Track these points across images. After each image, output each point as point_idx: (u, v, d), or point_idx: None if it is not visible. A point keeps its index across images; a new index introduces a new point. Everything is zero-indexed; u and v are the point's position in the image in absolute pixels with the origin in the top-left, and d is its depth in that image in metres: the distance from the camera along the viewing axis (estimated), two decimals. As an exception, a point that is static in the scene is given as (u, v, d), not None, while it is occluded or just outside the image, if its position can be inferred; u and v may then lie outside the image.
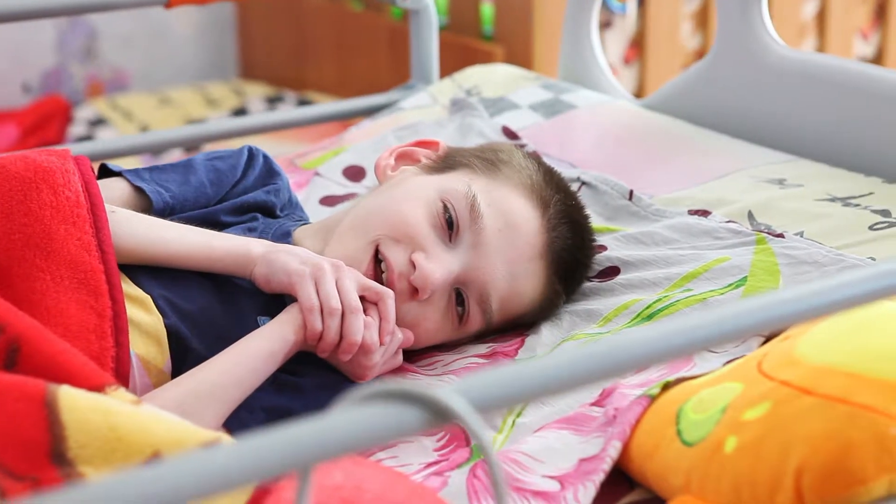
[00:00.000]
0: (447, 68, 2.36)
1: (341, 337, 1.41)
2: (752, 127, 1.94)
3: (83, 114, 3.73)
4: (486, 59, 3.09)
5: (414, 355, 1.54)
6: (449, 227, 1.49)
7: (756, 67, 1.94)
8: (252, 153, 1.65)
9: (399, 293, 1.47)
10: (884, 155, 1.77)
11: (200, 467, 0.76)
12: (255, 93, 3.87)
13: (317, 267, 1.42)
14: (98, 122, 3.68)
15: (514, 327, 1.57)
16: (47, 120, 3.70)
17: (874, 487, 1.06)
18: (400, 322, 1.48)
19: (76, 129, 3.66)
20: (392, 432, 0.81)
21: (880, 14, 3.87)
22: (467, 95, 2.13)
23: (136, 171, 1.57)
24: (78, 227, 1.38)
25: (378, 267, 1.49)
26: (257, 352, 1.39)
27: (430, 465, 1.33)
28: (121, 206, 1.49)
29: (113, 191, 1.51)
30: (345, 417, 0.80)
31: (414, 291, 1.48)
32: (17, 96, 3.88)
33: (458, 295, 1.51)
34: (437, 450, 1.35)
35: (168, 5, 2.00)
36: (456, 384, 0.82)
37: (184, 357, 1.40)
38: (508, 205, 1.52)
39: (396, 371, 1.51)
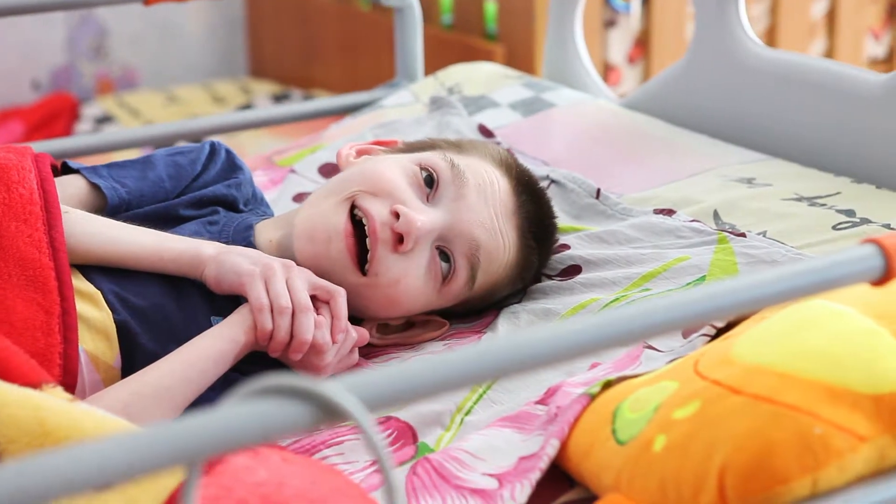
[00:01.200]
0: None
1: (292, 336, 1.41)
2: (728, 126, 1.93)
3: (90, 111, 3.75)
4: (486, 58, 3.08)
5: (371, 352, 1.54)
6: (428, 185, 1.50)
7: (732, 67, 1.93)
8: (214, 148, 1.66)
9: (382, 242, 1.46)
10: (855, 155, 1.76)
11: (87, 458, 0.76)
12: (263, 91, 3.89)
13: (267, 267, 1.42)
14: (105, 119, 3.70)
15: (485, 308, 1.57)
16: (54, 117, 3.72)
17: (796, 487, 1.05)
18: (381, 280, 1.48)
19: (83, 126, 3.68)
20: (281, 428, 0.81)
21: (892, 13, 3.84)
22: (448, 94, 2.13)
23: (94, 168, 1.58)
24: (30, 225, 1.39)
25: (355, 224, 1.48)
26: (207, 352, 1.39)
27: (374, 462, 1.33)
28: (77, 204, 1.50)
29: (69, 188, 1.52)
30: (234, 412, 0.80)
31: (398, 242, 1.47)
32: (27, 93, 3.91)
33: (442, 253, 1.51)
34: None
35: (147, 2, 2.00)
36: (347, 381, 0.82)
37: (134, 353, 1.40)
38: (482, 167, 1.54)
39: (354, 369, 1.50)
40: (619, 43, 3.38)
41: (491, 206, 1.52)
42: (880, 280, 0.99)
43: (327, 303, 1.44)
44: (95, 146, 2.11)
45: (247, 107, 3.76)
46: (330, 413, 0.81)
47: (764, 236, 1.58)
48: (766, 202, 1.66)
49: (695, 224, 1.62)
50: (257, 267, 1.42)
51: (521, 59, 3.13)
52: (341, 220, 1.48)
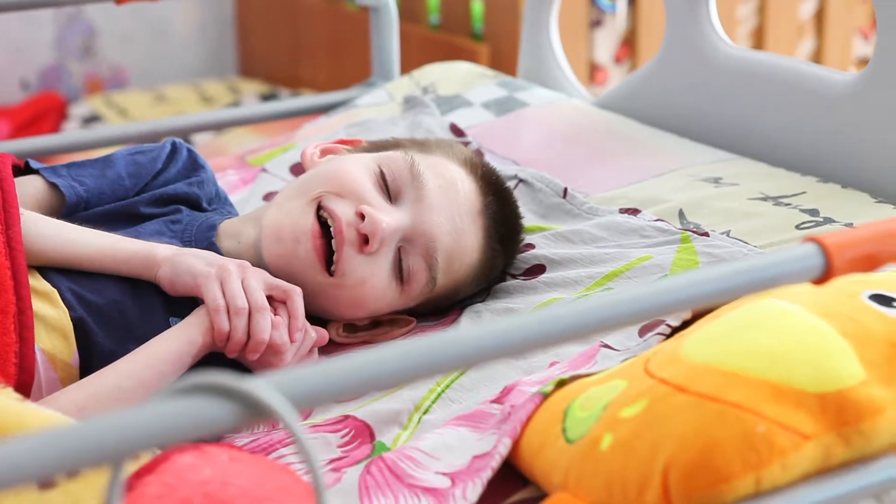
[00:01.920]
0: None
1: (249, 336, 1.41)
2: (698, 125, 1.93)
3: (78, 111, 3.75)
4: (471, 58, 3.08)
5: (336, 351, 1.54)
6: (389, 186, 1.51)
7: (703, 66, 1.93)
8: (175, 146, 1.66)
9: (348, 243, 1.47)
10: (822, 155, 1.76)
11: (9, 455, 0.76)
12: (251, 90, 3.89)
13: (222, 268, 1.42)
14: (92, 118, 3.70)
15: (450, 306, 1.57)
16: (41, 117, 3.72)
17: (739, 485, 1.05)
18: (347, 280, 1.48)
19: (70, 125, 3.68)
20: (205, 426, 0.81)
21: (881, 13, 3.83)
22: (423, 93, 2.13)
23: (53, 168, 1.59)
24: None
25: (321, 225, 1.49)
26: (164, 354, 1.39)
27: (331, 461, 1.33)
28: (35, 203, 1.51)
29: (27, 188, 1.52)
30: (157, 410, 0.80)
31: (363, 242, 1.47)
32: (15, 93, 3.91)
33: (403, 254, 1.51)
34: (340, 446, 1.35)
35: (119, 1, 2.00)
36: (273, 378, 0.82)
37: (91, 351, 1.41)
38: (445, 166, 1.55)
39: (312, 367, 1.51)
40: (606, 43, 3.38)
41: (454, 206, 1.52)
42: (820, 279, 0.99)
43: (284, 302, 1.44)
44: (80, 144, 2.11)
45: (234, 106, 3.76)
46: (256, 411, 0.81)
47: (727, 236, 1.58)
48: (732, 202, 1.66)
49: (659, 223, 1.62)
50: (212, 268, 1.43)
51: (506, 59, 3.14)
52: (308, 221, 1.48)
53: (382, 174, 1.51)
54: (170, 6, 4.05)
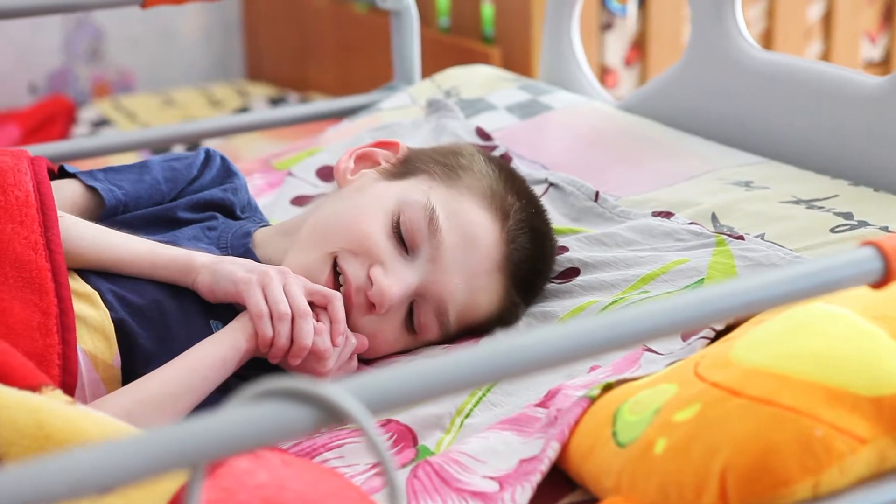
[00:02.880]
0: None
1: (292, 342, 1.41)
2: (725, 129, 1.94)
3: (87, 114, 3.75)
4: (483, 61, 3.08)
5: (371, 358, 1.55)
6: (406, 240, 1.49)
7: (729, 69, 1.93)
8: (209, 154, 1.66)
9: (357, 307, 1.48)
10: (852, 158, 1.76)
11: (91, 462, 0.76)
12: (259, 94, 3.89)
13: (263, 274, 1.43)
14: (101, 122, 3.70)
15: (472, 333, 1.56)
16: (50, 121, 3.72)
17: (798, 489, 1.05)
18: (359, 334, 1.49)
19: (79, 129, 3.68)
20: (282, 431, 0.81)
21: (888, 17, 3.84)
22: (446, 96, 2.13)
23: (90, 172, 1.59)
24: (26, 227, 1.39)
25: (337, 279, 1.49)
26: (210, 359, 1.39)
27: (375, 465, 1.33)
28: (72, 207, 1.51)
29: (65, 191, 1.52)
30: (236, 415, 0.80)
31: (371, 306, 1.48)
32: (23, 97, 3.91)
33: (411, 304, 1.51)
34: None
35: (144, 5, 2.01)
36: (349, 383, 0.82)
37: (133, 351, 1.41)
38: (467, 217, 1.52)
39: (352, 373, 1.51)
40: (616, 45, 3.39)
41: (471, 265, 1.51)
42: (880, 282, 0.99)
43: (324, 307, 1.45)
44: (91, 150, 2.11)
45: (243, 110, 3.76)
46: (332, 416, 0.81)
47: (762, 239, 1.58)
48: (764, 205, 1.66)
49: (693, 227, 1.62)
50: (253, 274, 1.43)
51: (517, 61, 3.13)
52: (323, 277, 1.49)
53: (400, 224, 1.50)
54: (176, 9, 4.04)
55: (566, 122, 2.00)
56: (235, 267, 1.44)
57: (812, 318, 1.18)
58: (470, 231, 1.51)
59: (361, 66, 3.72)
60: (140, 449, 0.77)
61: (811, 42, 3.69)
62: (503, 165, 1.61)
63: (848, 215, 1.61)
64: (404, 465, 1.31)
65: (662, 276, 1.53)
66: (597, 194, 1.74)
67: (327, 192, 1.89)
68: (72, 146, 2.10)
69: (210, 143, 3.24)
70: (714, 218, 1.66)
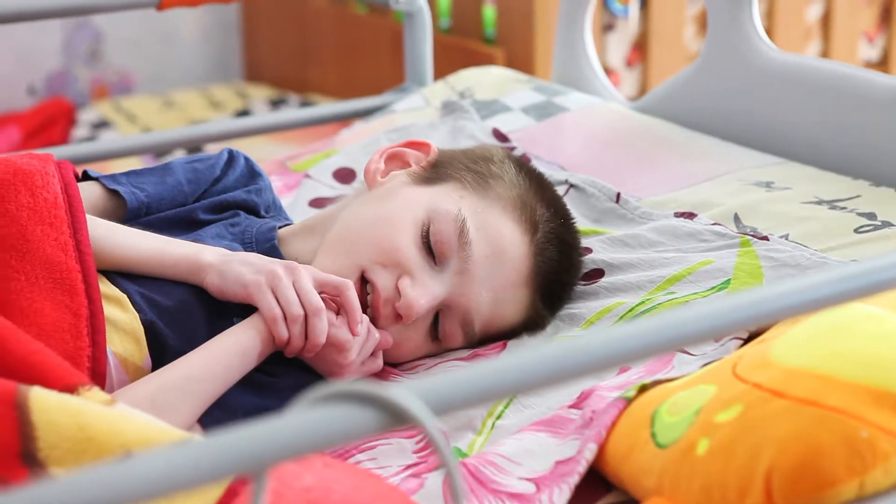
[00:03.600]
0: (448, 71, 2.35)
1: (306, 339, 1.41)
2: (742, 129, 1.94)
3: (87, 116, 3.74)
4: (486, 62, 3.09)
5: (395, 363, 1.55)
6: (434, 251, 1.49)
7: (746, 70, 1.93)
8: (232, 155, 1.66)
9: (384, 318, 1.48)
10: (871, 158, 1.77)
11: (154, 467, 0.76)
12: (259, 95, 3.88)
13: (271, 274, 1.42)
14: (101, 124, 3.69)
15: (497, 338, 1.56)
16: (51, 122, 3.71)
17: (843, 490, 1.05)
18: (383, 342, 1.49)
19: (79, 131, 3.67)
20: (348, 434, 0.81)
21: (886, 17, 3.86)
22: (460, 98, 2.13)
23: (112, 176, 1.58)
24: (55, 228, 1.39)
25: (364, 287, 1.49)
26: (232, 348, 1.39)
27: (408, 466, 1.33)
28: (94, 210, 1.51)
29: (87, 194, 1.51)
30: (300, 419, 0.80)
31: (398, 316, 1.48)
32: (23, 99, 3.90)
33: (437, 313, 1.51)
34: (415, 451, 1.35)
35: (160, 7, 2.00)
36: (413, 385, 0.82)
37: (163, 353, 1.41)
38: (497, 230, 1.51)
39: (378, 376, 1.51)
40: (618, 47, 3.39)
41: (499, 278, 1.51)
42: (929, 282, 0.99)
43: (337, 297, 1.44)
44: (93, 154, 2.09)
45: (244, 111, 3.76)
46: (396, 418, 0.81)
47: (786, 240, 1.58)
48: (787, 205, 1.67)
49: (717, 227, 1.62)
50: (261, 276, 1.42)
51: (520, 63, 3.13)
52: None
53: (429, 235, 1.50)
54: (176, 10, 4.03)
55: (582, 124, 2.00)
56: (244, 268, 1.44)
57: (850, 319, 1.18)
58: (499, 244, 1.51)
59: (363, 68, 3.72)
60: (206, 453, 0.77)
61: (810, 42, 3.70)
62: (533, 173, 1.60)
63: (871, 216, 1.61)
64: (438, 468, 1.31)
65: (688, 277, 1.54)
66: (618, 195, 1.74)
67: (355, 190, 1.88)
68: (73, 150, 2.07)
69: (212, 146, 3.24)
70: (737, 219, 1.66)
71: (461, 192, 1.54)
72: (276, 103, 3.80)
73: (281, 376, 1.45)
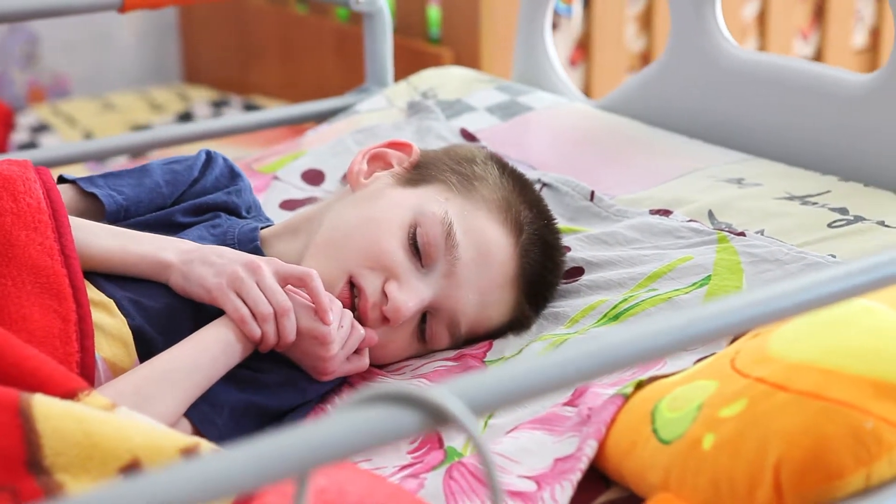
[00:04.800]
0: (397, 71, 2.35)
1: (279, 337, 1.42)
2: (706, 127, 1.96)
3: (26, 120, 3.69)
4: (434, 61, 3.10)
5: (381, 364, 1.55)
6: (421, 252, 1.49)
7: (709, 68, 1.95)
8: (210, 156, 1.65)
9: (372, 321, 1.48)
10: (837, 154, 1.79)
11: (200, 474, 0.76)
12: (200, 97, 3.86)
13: (232, 276, 1.41)
14: (41, 128, 3.64)
15: (482, 338, 1.57)
16: (-11, 126, 3.66)
17: (851, 481, 1.07)
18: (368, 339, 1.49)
19: (18, 135, 3.62)
20: (389, 435, 0.81)
21: (819, 14, 3.91)
22: (423, 98, 2.13)
23: (90, 178, 1.57)
24: (40, 233, 1.37)
25: (352, 290, 1.49)
26: (214, 341, 1.39)
27: (404, 467, 1.33)
28: (71, 212, 1.49)
29: (64, 197, 1.49)
30: (343, 421, 0.80)
31: (385, 319, 1.48)
32: (-43, 102, 3.84)
33: (423, 314, 1.51)
34: (410, 452, 1.36)
35: (122, 9, 1.99)
36: (451, 386, 0.82)
37: (151, 357, 1.39)
38: (483, 232, 1.52)
39: (365, 375, 1.51)
40: (561, 46, 3.41)
41: (485, 280, 1.51)
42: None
43: (303, 286, 1.44)
44: (36, 161, 2.05)
45: (186, 114, 3.73)
46: (436, 418, 0.81)
47: (762, 235, 1.60)
48: (759, 202, 1.69)
49: (693, 224, 1.63)
50: (223, 278, 1.41)
51: (467, 62, 3.14)
52: (337, 290, 1.48)
53: (416, 237, 1.50)
54: (110, 12, 3.99)
55: (549, 123, 2.01)
56: (204, 269, 1.43)
57: (847, 313, 1.20)
58: (486, 247, 1.51)
59: (306, 69, 3.70)
60: (248, 458, 0.77)
61: (747, 39, 3.74)
62: (515, 173, 1.60)
63: (843, 210, 1.64)
64: (434, 468, 1.31)
65: (669, 274, 1.55)
66: (592, 194, 1.75)
67: (319, 194, 1.88)
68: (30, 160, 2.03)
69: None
70: (711, 215, 1.67)
71: (447, 193, 1.54)
72: (217, 105, 3.78)
73: (268, 372, 1.45)
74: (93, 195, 1.54)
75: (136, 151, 2.63)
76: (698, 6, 1.95)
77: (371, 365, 1.51)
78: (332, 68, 3.58)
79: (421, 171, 1.58)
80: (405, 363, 1.54)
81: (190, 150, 2.92)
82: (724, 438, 1.12)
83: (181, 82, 4.18)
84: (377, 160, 1.62)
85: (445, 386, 0.82)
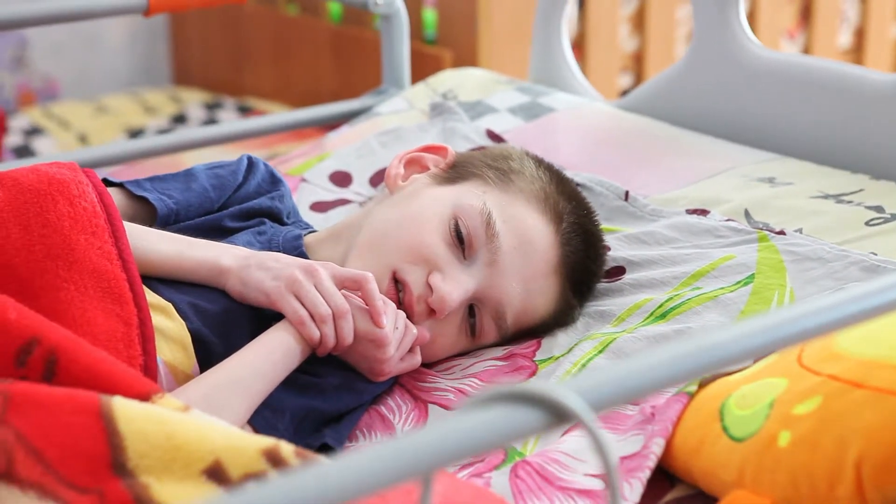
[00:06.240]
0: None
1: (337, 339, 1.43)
2: (729, 127, 1.97)
3: (18, 123, 3.67)
4: (434, 62, 3.11)
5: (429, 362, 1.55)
6: (463, 243, 1.50)
7: (733, 68, 1.97)
8: (252, 161, 1.66)
9: (418, 314, 1.49)
10: (864, 153, 1.81)
11: (328, 476, 0.76)
12: (193, 99, 3.84)
13: (291, 279, 1.42)
14: (34, 131, 3.63)
15: (529, 335, 1.57)
16: (-18, 130, 3.64)
17: (933, 477, 1.08)
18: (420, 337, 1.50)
19: (12, 138, 3.60)
20: (512, 434, 0.81)
21: (806, 14, 3.94)
22: (443, 100, 2.14)
23: (136, 182, 1.57)
24: (98, 237, 1.37)
25: (396, 286, 1.50)
26: (275, 347, 1.40)
27: (465, 466, 1.34)
28: (121, 216, 1.48)
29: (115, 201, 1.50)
30: (466, 421, 0.81)
31: (432, 311, 1.49)
32: (-53, 107, 3.82)
33: (470, 307, 1.52)
34: (469, 452, 1.36)
35: (147, 13, 1.98)
36: (571, 384, 0.83)
37: (209, 360, 1.40)
38: (523, 221, 1.53)
39: (416, 375, 1.51)
40: (556, 47, 3.42)
41: (528, 269, 1.52)
42: None
43: (358, 290, 1.45)
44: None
45: (180, 116, 3.72)
46: (558, 416, 0.82)
47: (801, 234, 1.61)
48: (794, 200, 1.70)
49: (731, 223, 1.65)
50: (281, 281, 1.42)
51: (466, 63, 3.15)
52: (383, 288, 1.49)
53: (457, 229, 1.51)
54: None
55: (573, 123, 2.02)
56: (262, 274, 1.44)
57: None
58: (526, 235, 1.52)
59: (299, 70, 3.70)
60: (376, 460, 0.78)
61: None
62: (552, 168, 1.62)
63: (879, 209, 1.65)
64: (497, 467, 1.32)
65: (712, 273, 1.56)
66: (626, 193, 1.76)
67: (348, 196, 1.89)
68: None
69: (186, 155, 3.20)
70: (747, 214, 1.69)
71: (483, 187, 1.55)
72: (211, 107, 3.77)
73: (325, 376, 1.46)
74: (141, 199, 1.54)
75: (169, 151, 2.60)
76: (722, 7, 1.97)
77: (420, 365, 1.51)
78: (326, 69, 3.58)
79: (457, 170, 1.60)
80: (455, 363, 1.54)
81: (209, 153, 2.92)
82: (801, 435, 1.13)
83: (171, 84, 4.17)
84: (413, 164, 1.64)
85: (566, 384, 0.82)
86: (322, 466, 0.76)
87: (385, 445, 0.79)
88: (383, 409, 1.49)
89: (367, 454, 0.78)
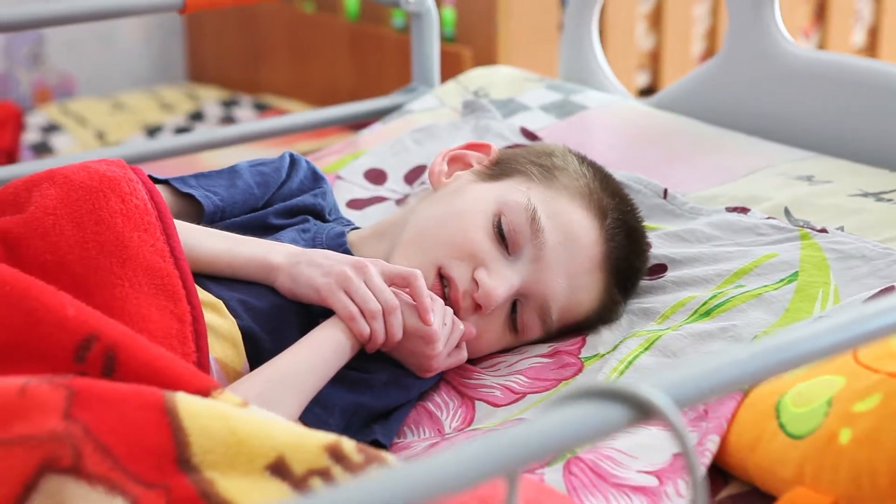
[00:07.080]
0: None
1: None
2: (762, 125, 1.98)
3: (35, 120, 3.67)
4: (454, 60, 3.11)
5: (477, 358, 1.56)
6: (508, 239, 1.51)
7: (766, 66, 1.97)
8: (294, 158, 1.66)
9: (463, 310, 1.49)
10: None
11: (415, 474, 0.76)
12: (210, 96, 3.85)
13: (341, 276, 1.43)
14: (51, 128, 3.63)
15: (573, 331, 1.58)
16: (0, 127, 3.64)
17: None
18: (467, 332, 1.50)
19: (30, 135, 3.60)
20: (597, 431, 0.82)
21: (820, 13, 3.95)
22: (476, 97, 2.14)
23: (181, 179, 1.57)
24: (150, 234, 1.38)
25: (441, 281, 1.50)
26: (326, 343, 1.40)
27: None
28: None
29: None
30: (552, 418, 0.81)
31: (477, 306, 1.49)
32: (-37, 103, 3.83)
33: (513, 303, 1.53)
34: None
35: (183, 10, 1.99)
36: (656, 380, 0.83)
37: (259, 357, 1.40)
38: (568, 217, 1.53)
39: (461, 372, 1.52)
40: (574, 45, 3.42)
41: (573, 265, 1.52)
42: None
43: (406, 287, 1.45)
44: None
45: (197, 113, 3.72)
46: (643, 413, 0.83)
47: (842, 232, 1.62)
48: (834, 198, 1.70)
49: (772, 221, 1.65)
50: (331, 278, 1.43)
51: (486, 60, 3.16)
52: (429, 282, 1.49)
53: (501, 225, 1.52)
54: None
55: (606, 121, 2.02)
56: (313, 270, 1.44)
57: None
58: (571, 230, 1.53)
59: (314, 67, 3.71)
60: (462, 459, 0.78)
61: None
62: (595, 165, 1.62)
63: (920, 207, 1.66)
64: (549, 463, 1.32)
65: (755, 271, 1.57)
66: (665, 191, 1.77)
67: (384, 194, 1.90)
68: (26, 168, 1.85)
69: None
70: (788, 212, 1.69)
71: (528, 184, 1.56)
72: (228, 104, 3.78)
73: (374, 372, 1.46)
74: (187, 196, 1.55)
75: (185, 153, 2.60)
76: (757, 5, 1.97)
77: (466, 361, 1.52)
78: (343, 66, 3.58)
79: (501, 167, 1.61)
80: (500, 359, 1.55)
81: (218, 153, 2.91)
82: (863, 433, 1.14)
83: (187, 81, 4.17)
84: (456, 161, 1.64)
85: (650, 381, 0.83)
86: (411, 463, 0.77)
87: (472, 443, 0.79)
88: (430, 405, 1.49)
89: (455, 452, 0.78)
